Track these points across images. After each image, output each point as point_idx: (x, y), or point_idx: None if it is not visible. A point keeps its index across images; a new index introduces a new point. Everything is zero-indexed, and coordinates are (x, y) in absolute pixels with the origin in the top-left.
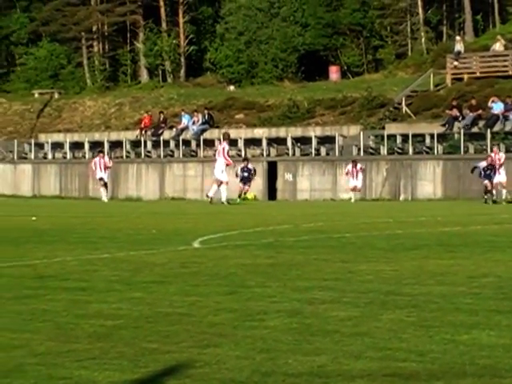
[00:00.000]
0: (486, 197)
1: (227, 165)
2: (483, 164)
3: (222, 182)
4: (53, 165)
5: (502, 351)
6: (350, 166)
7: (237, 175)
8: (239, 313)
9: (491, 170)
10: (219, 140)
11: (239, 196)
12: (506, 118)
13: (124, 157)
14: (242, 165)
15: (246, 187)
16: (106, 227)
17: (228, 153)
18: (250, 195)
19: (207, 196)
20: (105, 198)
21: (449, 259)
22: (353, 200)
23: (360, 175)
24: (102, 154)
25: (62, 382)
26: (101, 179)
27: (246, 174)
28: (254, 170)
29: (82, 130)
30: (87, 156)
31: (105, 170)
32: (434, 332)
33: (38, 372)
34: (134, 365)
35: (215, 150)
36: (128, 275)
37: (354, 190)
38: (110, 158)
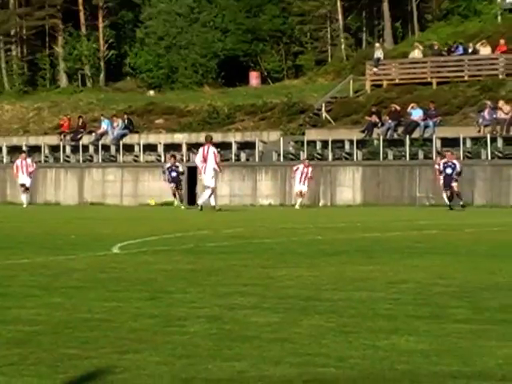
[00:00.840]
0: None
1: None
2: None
3: (210, 188)
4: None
5: (420, 356)
6: (301, 166)
7: (163, 173)
8: (159, 318)
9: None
10: (203, 143)
11: (181, 200)
12: (426, 125)
13: (43, 161)
14: (169, 163)
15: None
16: (25, 232)
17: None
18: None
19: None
20: (25, 204)
21: (368, 265)
22: (297, 206)
23: (306, 181)
24: (24, 155)
25: None
26: (22, 185)
27: (174, 174)
28: (183, 171)
29: (0, 134)
30: (5, 160)
31: (28, 174)
32: (353, 337)
33: None
34: (53, 371)
35: (136, 156)
36: (47, 281)
37: (299, 195)
38: (33, 160)
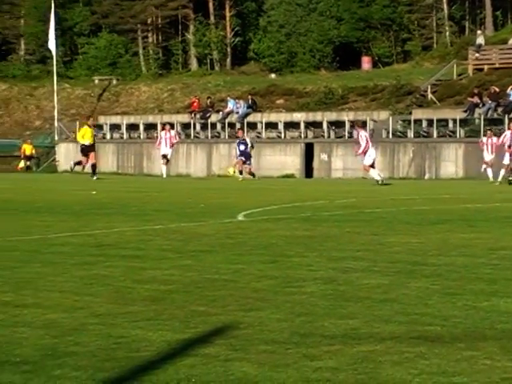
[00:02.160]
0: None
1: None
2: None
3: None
4: (111, 144)
5: None
6: (484, 139)
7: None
8: (280, 280)
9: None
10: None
11: (240, 172)
12: None
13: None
14: (239, 138)
15: (247, 166)
16: (160, 201)
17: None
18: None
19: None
20: (164, 175)
21: (470, 233)
22: (500, 178)
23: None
24: (168, 127)
25: (120, 341)
26: (164, 156)
27: (242, 148)
28: (252, 144)
29: (138, 112)
30: (142, 136)
31: (170, 146)
32: (456, 299)
33: (99, 331)
34: (185, 326)
35: (258, 132)
36: (179, 244)
37: (487, 164)
38: (178, 132)
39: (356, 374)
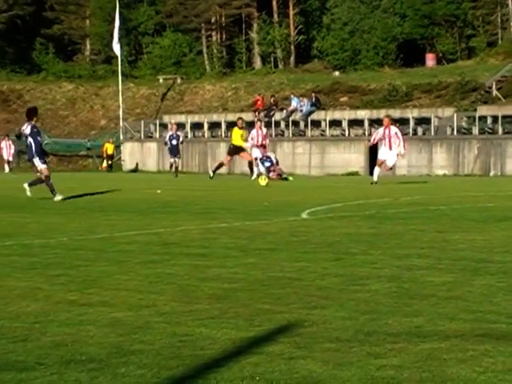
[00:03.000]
0: None
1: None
2: None
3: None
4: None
5: None
6: None
7: (165, 144)
8: (344, 278)
9: None
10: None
11: (176, 169)
12: None
13: None
14: (171, 132)
15: (177, 159)
16: (224, 199)
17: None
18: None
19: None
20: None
21: None
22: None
23: None
24: (259, 123)
25: (185, 339)
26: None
27: (174, 142)
28: (182, 140)
29: (202, 111)
30: (206, 135)
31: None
32: None
33: (164, 329)
34: (249, 324)
35: (322, 130)
36: (244, 243)
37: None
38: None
39: (420, 371)
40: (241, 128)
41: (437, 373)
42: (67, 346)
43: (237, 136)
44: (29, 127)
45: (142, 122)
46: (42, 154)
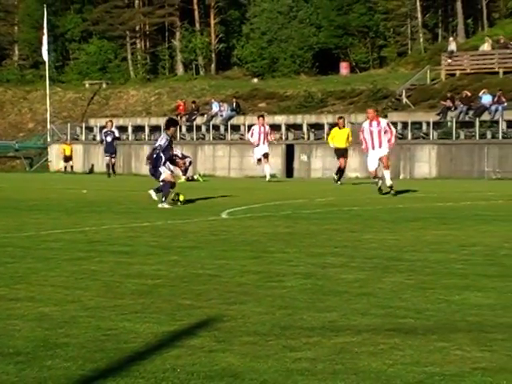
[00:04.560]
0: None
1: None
2: None
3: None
4: (101, 146)
5: (488, 310)
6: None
7: (101, 142)
8: (262, 274)
9: None
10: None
11: (111, 173)
12: (496, 109)
13: None
14: (106, 129)
15: (113, 159)
16: (148, 200)
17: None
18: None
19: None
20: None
21: (443, 230)
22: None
23: None
24: (262, 119)
25: (109, 333)
26: (265, 154)
27: (109, 139)
28: (119, 137)
29: (126, 115)
30: (130, 138)
31: (265, 141)
32: (429, 293)
33: (89, 323)
34: (171, 318)
35: (241, 134)
36: (166, 241)
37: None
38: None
39: (334, 364)
40: (342, 127)
41: (349, 365)
42: None
43: (340, 137)
44: (164, 139)
45: (69, 124)
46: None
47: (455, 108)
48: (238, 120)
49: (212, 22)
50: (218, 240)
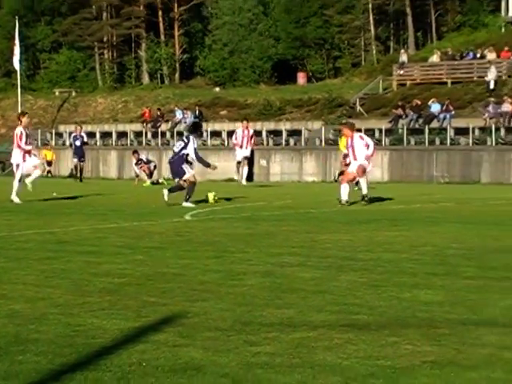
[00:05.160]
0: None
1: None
2: None
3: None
4: (70, 150)
5: (437, 306)
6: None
7: (70, 145)
8: (223, 273)
9: None
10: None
11: (79, 177)
12: (444, 117)
13: (128, 144)
14: (75, 133)
15: (81, 163)
16: (114, 203)
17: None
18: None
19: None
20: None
21: (394, 231)
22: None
23: None
24: (245, 123)
25: (78, 329)
26: (245, 158)
27: (78, 143)
28: (86, 141)
29: (94, 122)
30: (98, 143)
31: (248, 145)
32: (382, 290)
33: (58, 320)
34: (137, 315)
35: (204, 140)
36: (132, 242)
37: None
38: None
39: (291, 358)
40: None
41: (306, 359)
42: None
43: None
44: (195, 142)
45: (39, 130)
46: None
47: (406, 116)
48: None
49: (176, 33)
50: (182, 241)
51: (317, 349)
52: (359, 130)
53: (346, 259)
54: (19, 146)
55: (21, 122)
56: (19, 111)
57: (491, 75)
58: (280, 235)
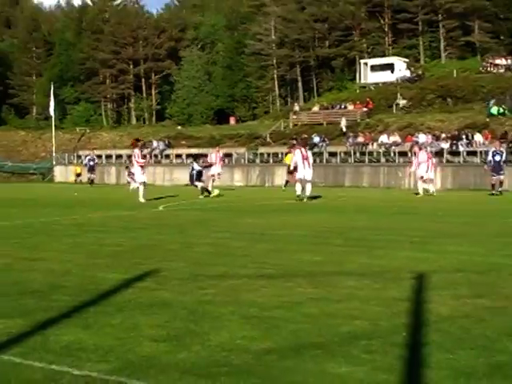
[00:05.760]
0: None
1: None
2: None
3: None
4: (86, 167)
5: (316, 264)
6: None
7: (86, 165)
8: (184, 244)
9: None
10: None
11: (91, 184)
12: (322, 145)
13: (123, 162)
14: (89, 156)
15: (93, 175)
16: (114, 200)
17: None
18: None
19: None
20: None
21: (287, 217)
22: (432, 191)
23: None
24: (218, 148)
25: (91, 280)
26: (218, 173)
27: (92, 163)
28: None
29: (101, 148)
30: (103, 162)
31: (219, 164)
32: (282, 254)
33: (79, 274)
34: (128, 270)
35: (171, 160)
36: (126, 224)
37: (425, 181)
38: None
39: (226, 296)
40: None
41: (235, 297)
42: (22, 283)
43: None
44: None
45: (66, 154)
46: None
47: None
48: (168, 151)
49: (153, 92)
50: (158, 224)
51: (242, 291)
52: (268, 153)
53: (260, 234)
54: (137, 162)
55: (135, 145)
56: (53, 141)
57: (342, 123)
58: (219, 220)
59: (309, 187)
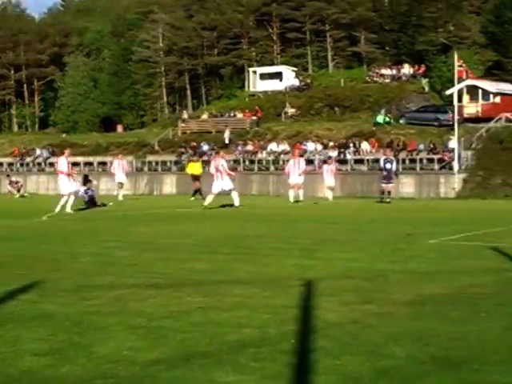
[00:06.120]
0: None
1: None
2: None
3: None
4: None
5: (204, 273)
6: (325, 166)
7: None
8: (68, 254)
9: None
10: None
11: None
12: (211, 153)
13: (4, 171)
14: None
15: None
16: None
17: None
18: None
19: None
20: (121, 197)
21: (177, 226)
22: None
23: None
24: (120, 156)
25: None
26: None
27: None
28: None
29: None
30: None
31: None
32: (169, 263)
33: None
34: (9, 284)
35: (55, 168)
36: (7, 234)
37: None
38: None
39: (113, 307)
40: (196, 162)
41: (122, 307)
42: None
43: (195, 167)
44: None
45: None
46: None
47: (187, 152)
48: (52, 159)
49: (36, 98)
50: (40, 233)
51: (129, 301)
52: (157, 162)
53: (147, 243)
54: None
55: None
56: None
57: (226, 134)
58: (105, 229)
59: (235, 195)
